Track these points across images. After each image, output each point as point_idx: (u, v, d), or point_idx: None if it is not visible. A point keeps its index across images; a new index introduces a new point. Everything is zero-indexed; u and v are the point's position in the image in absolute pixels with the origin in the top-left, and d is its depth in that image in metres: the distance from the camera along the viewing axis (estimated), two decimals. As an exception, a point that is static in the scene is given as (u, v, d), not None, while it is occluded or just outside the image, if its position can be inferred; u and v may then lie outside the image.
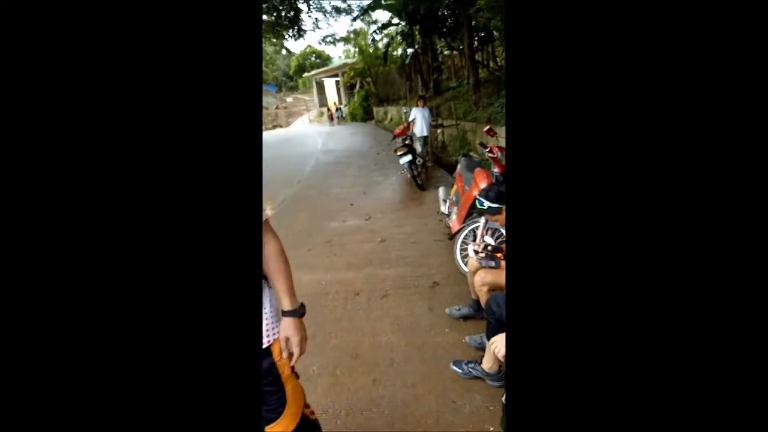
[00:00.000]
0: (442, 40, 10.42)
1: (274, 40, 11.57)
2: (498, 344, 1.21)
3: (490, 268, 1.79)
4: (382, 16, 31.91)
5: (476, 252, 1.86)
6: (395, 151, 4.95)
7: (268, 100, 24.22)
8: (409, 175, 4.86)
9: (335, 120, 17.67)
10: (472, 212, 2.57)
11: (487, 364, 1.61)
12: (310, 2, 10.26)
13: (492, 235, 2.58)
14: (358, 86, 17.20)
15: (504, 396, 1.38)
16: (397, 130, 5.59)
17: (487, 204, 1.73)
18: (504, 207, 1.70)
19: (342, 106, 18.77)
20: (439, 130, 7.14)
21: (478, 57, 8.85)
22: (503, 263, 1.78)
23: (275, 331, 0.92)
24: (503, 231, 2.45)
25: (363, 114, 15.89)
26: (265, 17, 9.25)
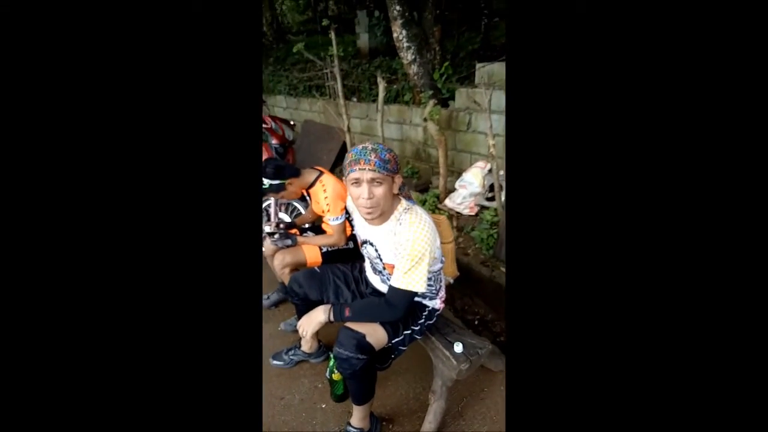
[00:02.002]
0: None
1: None
2: (304, 326, 1.14)
3: (287, 247, 1.68)
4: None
5: (270, 234, 1.70)
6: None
7: None
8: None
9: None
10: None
11: (306, 345, 1.56)
12: None
13: (286, 210, 2.48)
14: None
15: (328, 369, 1.37)
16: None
17: (267, 182, 1.56)
18: (288, 182, 1.58)
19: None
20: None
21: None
22: (301, 238, 1.71)
23: None
24: (297, 204, 2.38)
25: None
26: None
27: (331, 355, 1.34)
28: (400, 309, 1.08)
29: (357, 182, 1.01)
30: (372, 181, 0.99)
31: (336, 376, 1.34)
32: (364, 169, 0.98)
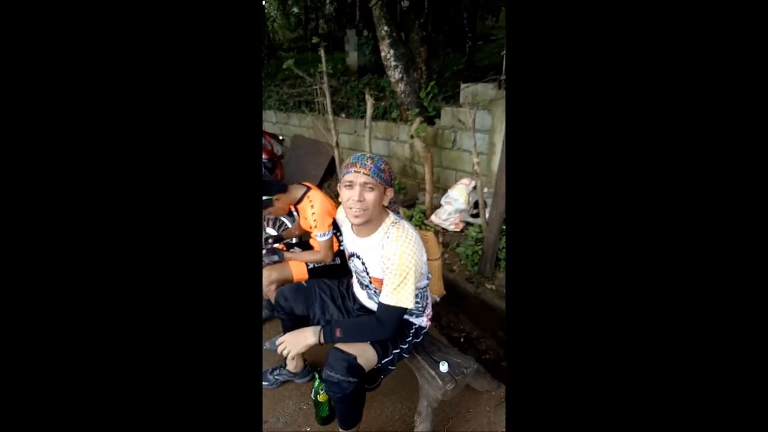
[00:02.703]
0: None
1: None
2: (288, 345, 1.11)
3: (274, 263, 1.66)
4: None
5: (255, 251, 1.68)
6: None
7: None
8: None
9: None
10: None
11: (291, 364, 1.52)
12: None
13: (274, 226, 2.46)
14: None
15: (313, 389, 1.34)
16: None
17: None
18: (275, 197, 1.57)
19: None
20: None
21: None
22: (287, 254, 1.70)
23: None
24: (284, 219, 2.36)
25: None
26: None
27: (316, 375, 1.31)
28: (391, 326, 1.08)
29: (350, 185, 1.03)
30: (365, 185, 1.01)
31: (321, 396, 1.31)
32: (359, 172, 1.01)
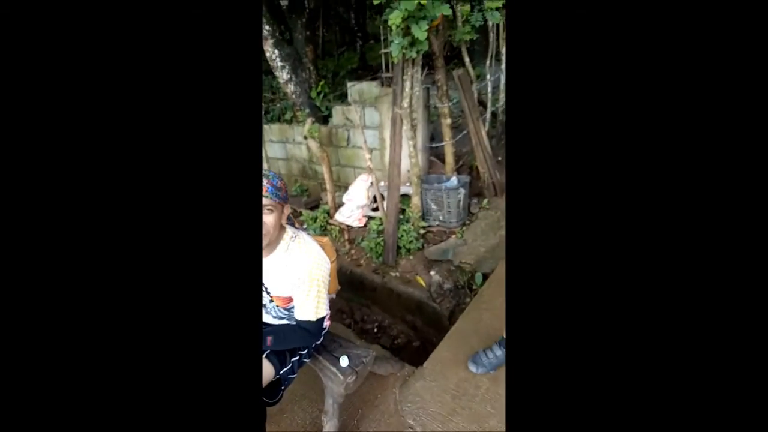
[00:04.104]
0: None
1: None
2: None
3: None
4: None
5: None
6: None
7: None
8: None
9: None
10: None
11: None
12: None
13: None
14: None
15: None
16: None
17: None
18: None
19: None
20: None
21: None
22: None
23: None
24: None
25: None
26: None
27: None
28: (317, 336, 1.14)
29: None
30: (264, 207, 0.96)
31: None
32: None
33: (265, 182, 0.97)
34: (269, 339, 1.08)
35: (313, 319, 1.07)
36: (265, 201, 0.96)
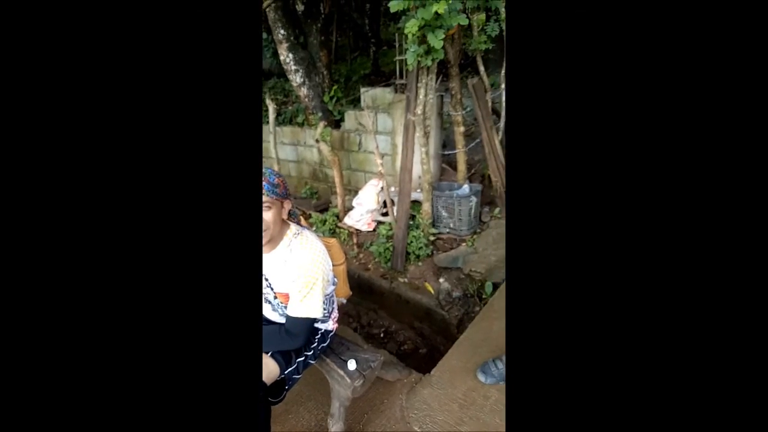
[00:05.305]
0: None
1: None
2: None
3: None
4: None
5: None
6: None
7: None
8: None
9: None
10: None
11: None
12: None
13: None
14: None
15: None
16: None
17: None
18: None
19: None
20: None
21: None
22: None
23: None
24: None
25: None
26: None
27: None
28: (302, 337, 1.07)
29: None
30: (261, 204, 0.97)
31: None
32: None
33: (262, 180, 0.99)
34: None
35: (301, 315, 1.04)
36: (262, 198, 0.98)
